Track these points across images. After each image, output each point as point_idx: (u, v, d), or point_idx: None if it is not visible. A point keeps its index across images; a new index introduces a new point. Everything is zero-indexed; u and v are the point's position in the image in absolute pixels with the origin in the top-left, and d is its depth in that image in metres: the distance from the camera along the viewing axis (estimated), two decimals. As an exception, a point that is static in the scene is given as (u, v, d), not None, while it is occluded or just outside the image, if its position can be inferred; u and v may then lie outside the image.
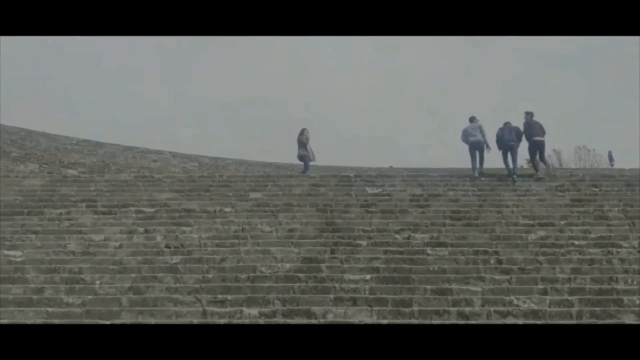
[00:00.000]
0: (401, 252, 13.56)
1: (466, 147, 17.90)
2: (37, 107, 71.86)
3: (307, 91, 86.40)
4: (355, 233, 14.39)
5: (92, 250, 13.80)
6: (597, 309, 11.54)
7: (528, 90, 78.44)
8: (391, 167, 28.89)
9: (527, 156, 19.83)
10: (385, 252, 13.55)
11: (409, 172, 19.25)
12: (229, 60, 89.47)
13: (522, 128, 17.71)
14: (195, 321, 11.37)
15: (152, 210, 15.60)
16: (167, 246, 13.91)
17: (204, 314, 11.59)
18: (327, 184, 17.27)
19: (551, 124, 18.10)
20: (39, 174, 22.10)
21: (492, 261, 13.16)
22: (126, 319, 11.50)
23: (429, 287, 12.26)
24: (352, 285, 12.33)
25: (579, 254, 13.45)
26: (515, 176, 17.17)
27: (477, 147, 17.75)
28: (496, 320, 11.34)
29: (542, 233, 14.28)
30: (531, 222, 14.78)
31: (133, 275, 12.76)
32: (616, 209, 15.42)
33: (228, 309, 11.68)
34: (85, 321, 11.36)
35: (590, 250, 13.58)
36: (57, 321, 11.28)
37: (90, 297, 12.11)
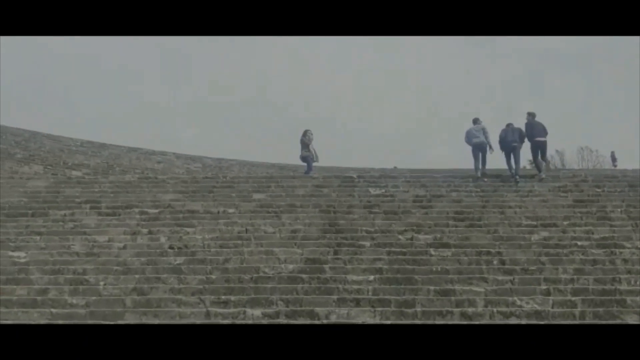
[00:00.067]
0: (404, 253, 13.57)
1: (469, 148, 17.90)
2: (37, 107, 72.07)
3: (307, 91, 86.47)
4: (359, 234, 14.40)
5: (96, 251, 13.84)
6: (600, 309, 11.54)
7: (528, 91, 78.44)
8: (395, 167, 28.91)
9: (530, 157, 19.82)
10: (389, 252, 13.56)
11: (412, 173, 19.23)
12: (229, 60, 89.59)
13: (523, 129, 17.72)
14: (199, 322, 11.40)
15: (156, 211, 15.64)
16: (170, 247, 13.95)
17: (208, 314, 11.63)
18: (330, 184, 17.29)
19: (552, 124, 18.11)
20: (43, 175, 22.18)
21: (495, 262, 13.16)
22: (130, 319, 11.53)
23: (432, 287, 12.27)
24: (355, 286, 12.35)
25: (582, 254, 13.45)
26: (518, 177, 17.17)
27: (480, 149, 17.75)
28: (499, 320, 11.34)
29: (545, 234, 14.28)
30: (534, 222, 14.77)
31: (137, 276, 12.80)
32: (619, 209, 15.41)
33: (231, 310, 11.71)
34: (89, 322, 11.39)
35: (593, 250, 13.57)
36: (61, 322, 11.31)
37: (94, 298, 12.15)
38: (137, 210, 15.68)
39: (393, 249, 13.70)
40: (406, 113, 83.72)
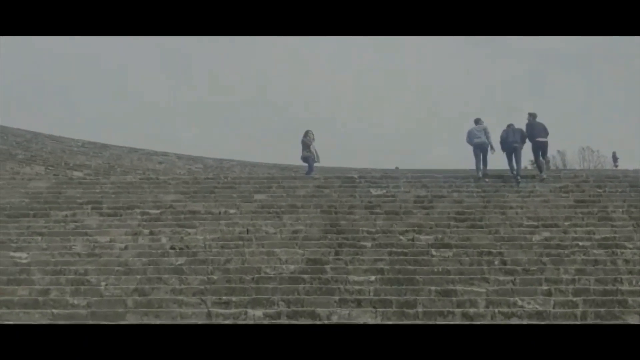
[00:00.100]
0: (405, 254, 13.57)
1: (470, 148, 17.90)
2: (37, 107, 72.19)
3: (307, 91, 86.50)
4: (360, 234, 14.41)
5: (98, 252, 13.86)
6: (602, 309, 11.54)
7: (528, 91, 78.44)
8: (397, 168, 28.92)
9: (532, 157, 19.83)
10: (390, 253, 13.56)
11: (413, 174, 19.23)
12: (229, 60, 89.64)
13: (524, 129, 17.72)
14: (200, 322, 11.41)
15: (158, 211, 15.65)
16: (172, 248, 13.96)
17: (209, 315, 11.64)
18: (332, 185, 17.29)
19: (552, 125, 18.12)
20: (45, 176, 22.19)
21: (496, 262, 13.16)
22: (131, 320, 11.54)
23: (433, 288, 12.28)
24: (357, 287, 12.35)
25: (583, 255, 13.44)
26: (519, 177, 17.17)
27: (481, 149, 17.76)
28: (500, 321, 11.35)
29: (546, 234, 14.27)
30: (535, 223, 14.77)
31: (138, 276, 12.81)
32: (620, 210, 15.40)
33: (233, 310, 11.72)
34: (91, 322, 11.41)
35: (595, 251, 13.57)
36: (62, 322, 11.33)
37: (95, 298, 12.16)
38: (138, 210, 15.69)
39: (394, 250, 13.70)
40: (406, 113, 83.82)
